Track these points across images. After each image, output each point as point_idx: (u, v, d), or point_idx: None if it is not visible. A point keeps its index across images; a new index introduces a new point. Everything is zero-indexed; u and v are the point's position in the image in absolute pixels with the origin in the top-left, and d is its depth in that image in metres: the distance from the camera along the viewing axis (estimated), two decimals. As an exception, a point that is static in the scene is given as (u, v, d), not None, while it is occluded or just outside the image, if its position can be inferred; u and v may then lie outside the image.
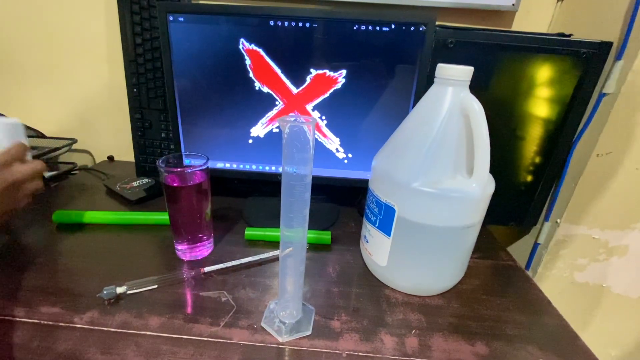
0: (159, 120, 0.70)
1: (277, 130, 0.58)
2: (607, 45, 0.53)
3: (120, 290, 0.42)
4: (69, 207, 0.61)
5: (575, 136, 0.59)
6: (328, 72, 0.53)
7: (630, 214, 0.61)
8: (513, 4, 0.65)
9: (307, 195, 0.33)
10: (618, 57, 0.53)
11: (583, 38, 0.53)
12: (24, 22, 0.74)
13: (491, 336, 0.41)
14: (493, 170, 0.41)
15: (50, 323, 0.38)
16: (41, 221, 0.57)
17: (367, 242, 0.49)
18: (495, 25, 0.70)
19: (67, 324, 0.38)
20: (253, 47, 0.52)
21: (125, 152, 0.85)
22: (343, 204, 0.68)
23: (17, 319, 0.39)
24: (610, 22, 0.55)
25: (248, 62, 0.53)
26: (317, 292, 0.46)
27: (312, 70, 0.53)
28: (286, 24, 0.50)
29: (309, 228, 0.37)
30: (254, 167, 0.61)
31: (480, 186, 0.39)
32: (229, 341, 0.38)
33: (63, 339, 0.36)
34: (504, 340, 0.40)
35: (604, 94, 0.55)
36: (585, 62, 0.53)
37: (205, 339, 0.38)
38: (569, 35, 0.56)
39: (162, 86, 0.68)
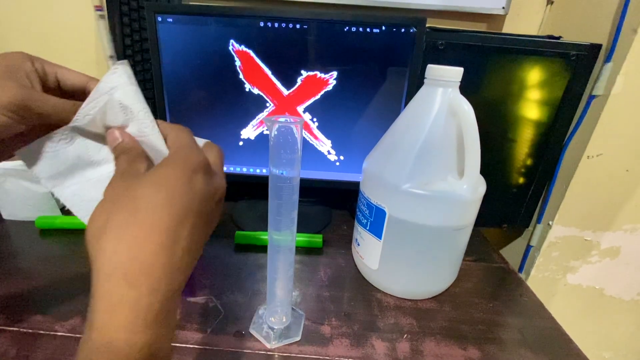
0: (148, 123, 0.69)
1: (268, 132, 0.57)
2: (596, 47, 0.53)
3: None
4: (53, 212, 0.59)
5: (566, 138, 0.59)
6: (319, 74, 0.53)
7: (621, 216, 0.61)
8: (503, 7, 0.65)
9: (295, 197, 0.33)
10: (607, 59, 0.53)
11: (572, 40, 0.54)
12: (12, 23, 0.73)
13: (483, 340, 0.40)
14: (485, 172, 0.41)
15: (30, 331, 0.37)
16: (24, 226, 0.56)
17: (359, 245, 0.48)
18: (485, 28, 0.70)
19: (48, 332, 0.37)
20: (243, 48, 0.52)
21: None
22: (335, 206, 0.68)
23: (-4, 327, 0.37)
24: (599, 24, 0.55)
25: (238, 63, 0.53)
26: (307, 296, 0.45)
27: (302, 71, 0.53)
28: (276, 25, 0.50)
29: (301, 231, 0.37)
30: (244, 169, 0.60)
31: (470, 187, 0.39)
32: (215, 348, 0.36)
33: (43, 348, 0.35)
34: (496, 343, 0.40)
35: (594, 96, 0.55)
36: (575, 64, 0.53)
37: (191, 346, 0.36)
38: (559, 38, 0.56)
39: (152, 88, 0.67)
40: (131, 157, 0.25)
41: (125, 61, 0.26)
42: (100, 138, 0.27)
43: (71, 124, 0.25)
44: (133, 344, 0.18)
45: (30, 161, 0.26)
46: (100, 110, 0.25)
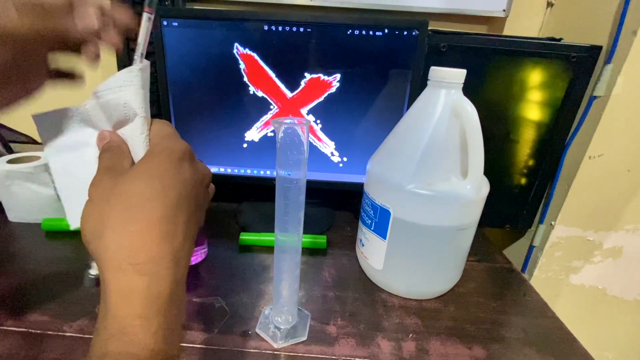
0: (152, 126, 0.69)
1: (272, 134, 0.58)
2: (597, 49, 0.53)
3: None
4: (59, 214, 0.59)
5: (568, 139, 0.60)
6: (322, 77, 0.53)
7: (623, 216, 0.61)
8: (504, 10, 0.66)
9: (302, 197, 0.33)
10: (607, 60, 0.53)
11: (573, 42, 0.54)
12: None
13: (488, 339, 0.40)
14: (487, 173, 0.42)
15: (39, 332, 0.37)
16: (30, 228, 0.56)
17: (363, 245, 0.48)
18: (486, 30, 0.71)
19: (56, 333, 0.37)
20: (247, 51, 0.52)
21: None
22: (339, 207, 0.68)
23: (4, 327, 0.38)
24: (599, 26, 0.56)
25: (242, 66, 0.53)
26: (312, 296, 0.45)
27: (306, 74, 0.53)
28: (280, 28, 0.51)
29: (305, 232, 0.37)
30: (248, 171, 0.61)
31: (474, 188, 0.39)
32: (222, 348, 0.37)
33: (51, 348, 0.35)
34: (501, 343, 0.40)
35: (595, 97, 0.55)
36: (576, 65, 0.54)
37: (198, 346, 0.37)
38: (559, 40, 0.56)
39: (156, 91, 0.67)
40: (114, 154, 0.25)
41: (147, 62, 0.28)
42: (99, 128, 0.28)
43: (82, 106, 0.27)
44: (147, 329, 0.19)
45: (42, 125, 0.27)
46: (106, 103, 0.26)
